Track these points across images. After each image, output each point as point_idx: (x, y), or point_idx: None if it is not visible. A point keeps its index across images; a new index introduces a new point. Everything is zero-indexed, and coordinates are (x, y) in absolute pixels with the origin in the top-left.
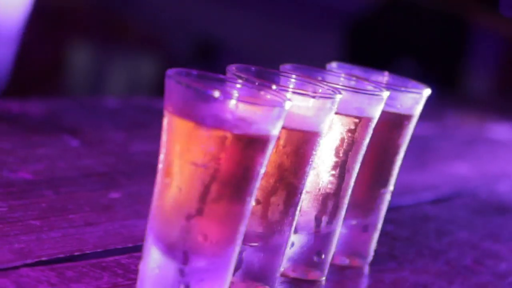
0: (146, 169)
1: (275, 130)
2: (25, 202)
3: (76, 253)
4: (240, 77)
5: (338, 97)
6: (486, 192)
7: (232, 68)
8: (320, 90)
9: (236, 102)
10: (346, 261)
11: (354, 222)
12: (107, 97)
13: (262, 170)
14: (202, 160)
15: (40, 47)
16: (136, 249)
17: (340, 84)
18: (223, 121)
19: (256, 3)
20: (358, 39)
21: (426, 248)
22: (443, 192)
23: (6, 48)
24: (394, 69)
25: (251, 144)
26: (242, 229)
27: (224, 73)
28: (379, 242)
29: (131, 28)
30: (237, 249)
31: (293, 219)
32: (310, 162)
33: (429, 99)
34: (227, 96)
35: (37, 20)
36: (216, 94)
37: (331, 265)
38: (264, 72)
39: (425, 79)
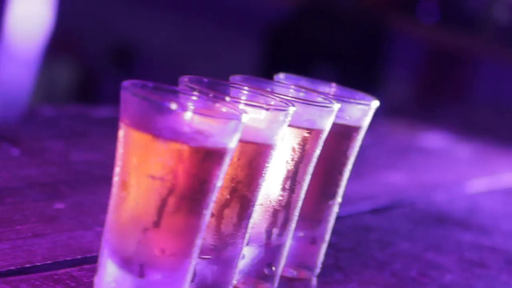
0: (88, 179)
1: (232, 143)
2: None
3: (26, 265)
4: (193, 89)
5: (292, 109)
6: (423, 202)
7: (184, 79)
8: (272, 102)
9: (193, 115)
10: (294, 273)
11: (302, 234)
12: (43, 105)
13: (219, 183)
14: (159, 173)
15: None
16: (85, 261)
17: (290, 95)
18: (180, 133)
19: (174, 8)
20: (277, 43)
21: (371, 259)
22: (382, 202)
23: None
24: (313, 75)
25: (208, 157)
26: (198, 242)
27: (141, 78)
28: (325, 253)
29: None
30: (193, 262)
31: (245, 232)
32: (263, 175)
33: None
34: (184, 108)
35: None
36: (173, 106)
37: (280, 277)
38: (216, 83)
39: (345, 85)
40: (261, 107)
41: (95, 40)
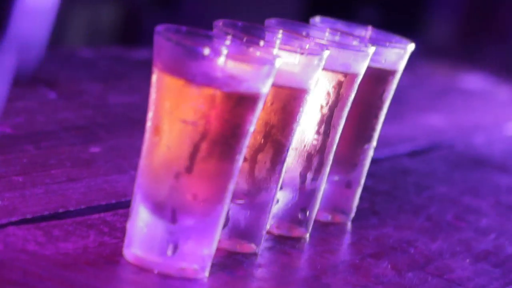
0: (125, 122)
1: (265, 88)
2: (7, 158)
3: (60, 210)
4: (227, 33)
5: (326, 53)
6: (462, 145)
7: (219, 23)
8: (307, 46)
9: (226, 60)
10: (328, 217)
11: (337, 178)
12: (81, 47)
13: (251, 129)
14: (192, 117)
15: None
16: (119, 206)
17: (325, 39)
18: (213, 78)
19: None
20: None
21: (407, 203)
22: (420, 145)
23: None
24: (355, 16)
25: (241, 102)
26: (231, 187)
27: (184, 18)
28: (360, 197)
29: None
30: (225, 208)
31: (279, 177)
32: (297, 119)
33: None
34: (217, 53)
35: None
36: (206, 51)
37: (314, 221)
38: (250, 27)
39: (387, 27)
40: (295, 51)
41: None
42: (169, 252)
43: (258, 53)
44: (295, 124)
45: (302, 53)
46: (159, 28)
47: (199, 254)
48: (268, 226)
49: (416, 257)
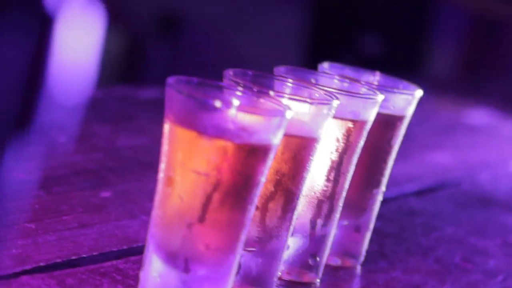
0: (134, 165)
1: (276, 139)
2: (19, 204)
3: (73, 257)
4: (238, 83)
5: (336, 102)
6: (468, 183)
7: (229, 73)
8: (316, 95)
9: (237, 112)
10: (338, 261)
11: (346, 222)
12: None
13: (263, 179)
14: (204, 169)
15: None
16: (131, 252)
17: (334, 86)
18: (224, 130)
19: None
20: (322, 11)
21: (415, 245)
22: (427, 184)
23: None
24: (357, 47)
25: (253, 153)
26: (243, 237)
27: (188, 47)
28: (369, 239)
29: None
30: (237, 257)
31: (290, 224)
32: (307, 168)
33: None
34: (228, 106)
35: None
36: (218, 104)
37: (324, 266)
38: (260, 76)
39: (389, 57)
40: (305, 101)
41: (141, 8)
42: None
43: (268, 105)
44: (305, 173)
45: (312, 103)
46: (170, 80)
47: None
48: (279, 273)
49: None
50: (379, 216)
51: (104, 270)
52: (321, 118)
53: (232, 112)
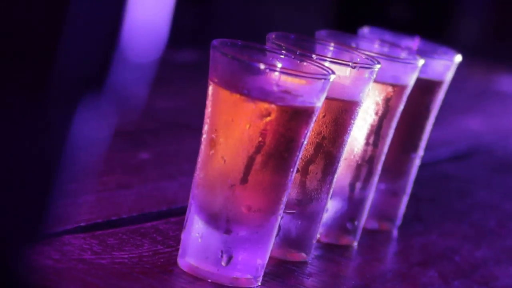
0: (172, 127)
1: (319, 102)
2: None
3: (113, 218)
4: (280, 46)
5: (377, 67)
6: (501, 148)
7: (272, 36)
8: (358, 59)
9: (281, 75)
10: (375, 225)
11: (383, 186)
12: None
13: (305, 142)
14: (247, 131)
15: None
16: (171, 213)
17: (375, 51)
18: (268, 93)
19: None
20: None
21: (450, 210)
22: (460, 149)
23: None
24: (385, 16)
25: (296, 116)
26: (284, 199)
27: (219, 16)
28: (406, 205)
29: None
30: (278, 219)
31: (330, 187)
32: (348, 131)
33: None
34: (272, 68)
35: None
36: (262, 66)
37: (362, 229)
38: (302, 39)
39: (416, 22)
40: (347, 65)
41: None
42: (224, 263)
43: (312, 68)
44: (346, 136)
45: (354, 67)
46: (215, 42)
47: (253, 264)
48: (317, 235)
49: (462, 265)
50: (415, 181)
51: (145, 230)
52: (363, 82)
53: (275, 74)
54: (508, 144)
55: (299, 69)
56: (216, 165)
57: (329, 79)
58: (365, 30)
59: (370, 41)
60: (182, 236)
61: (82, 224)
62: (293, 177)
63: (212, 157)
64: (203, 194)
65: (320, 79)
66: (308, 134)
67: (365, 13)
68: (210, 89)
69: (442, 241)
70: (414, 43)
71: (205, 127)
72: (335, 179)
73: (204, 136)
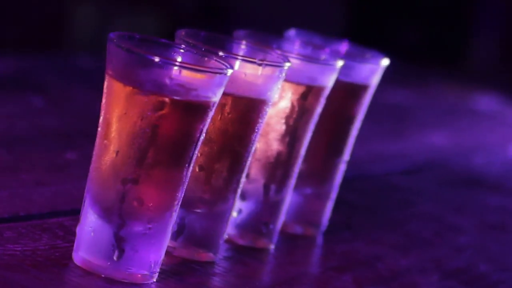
0: None
1: (215, 97)
2: None
3: (21, 214)
4: (188, 43)
5: (287, 65)
6: (459, 164)
7: (181, 33)
8: (268, 58)
9: (175, 67)
10: (299, 230)
11: (307, 190)
12: (82, 55)
13: (202, 137)
14: (139, 124)
15: (43, 1)
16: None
17: (294, 52)
18: (161, 86)
19: None
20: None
21: (385, 219)
22: (415, 162)
23: None
24: (396, 39)
25: (190, 110)
26: (179, 195)
27: (230, 34)
28: (338, 211)
29: None
30: (174, 215)
31: (237, 186)
32: (256, 130)
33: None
34: (165, 61)
35: None
36: (155, 58)
37: (283, 233)
38: (214, 38)
39: (427, 44)
40: (253, 62)
41: None
42: (115, 257)
43: (207, 62)
44: (254, 135)
45: (260, 64)
46: (112, 35)
47: (146, 259)
48: (226, 236)
49: (382, 272)
50: (353, 189)
51: (48, 226)
52: (271, 80)
53: (169, 67)
54: (468, 160)
55: (193, 63)
56: (109, 158)
57: (225, 74)
58: (291, 32)
59: (293, 42)
60: (77, 230)
61: None
62: (188, 173)
63: (105, 150)
64: (96, 187)
65: (216, 73)
66: (205, 129)
67: (377, 37)
68: (106, 82)
69: (367, 248)
70: (342, 46)
71: (100, 119)
72: (242, 179)
73: (99, 129)
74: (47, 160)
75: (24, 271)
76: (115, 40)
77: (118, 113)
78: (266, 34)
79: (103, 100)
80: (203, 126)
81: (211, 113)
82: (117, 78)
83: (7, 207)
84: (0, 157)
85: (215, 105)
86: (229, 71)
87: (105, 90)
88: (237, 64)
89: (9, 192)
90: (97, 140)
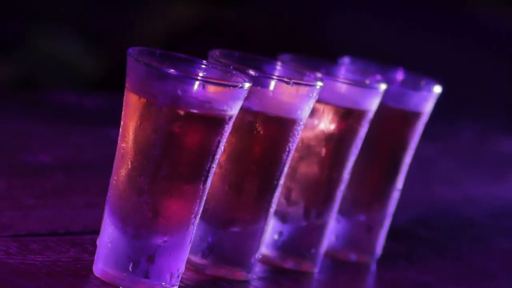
0: None
1: (232, 111)
2: (26, 182)
3: (60, 231)
4: (220, 62)
5: (319, 84)
6: None
7: (215, 53)
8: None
9: (190, 80)
10: (353, 257)
11: (361, 218)
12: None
13: (219, 150)
14: (154, 136)
15: None
16: None
17: (341, 77)
18: (175, 98)
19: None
20: None
21: (452, 252)
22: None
23: None
24: None
25: (205, 123)
26: (197, 208)
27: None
28: (402, 241)
29: None
30: (191, 228)
31: (269, 206)
32: (288, 150)
33: None
34: (180, 73)
35: None
36: (169, 70)
37: (334, 259)
38: (249, 58)
39: None
40: (282, 81)
41: None
42: (131, 268)
43: (223, 76)
44: (284, 154)
45: (288, 83)
46: (131, 49)
47: (164, 272)
48: (259, 255)
49: None
50: (419, 220)
51: (80, 241)
52: (302, 99)
53: (184, 79)
54: None
55: (210, 77)
56: (125, 169)
57: (240, 87)
58: (345, 59)
59: (341, 68)
60: (98, 241)
61: (21, 233)
62: (205, 186)
63: (122, 161)
64: (114, 198)
65: (229, 86)
66: (222, 142)
67: None
68: (125, 95)
69: (419, 277)
70: (398, 74)
71: (120, 131)
72: (274, 198)
73: (118, 141)
74: (101, 183)
75: (35, 278)
76: (132, 55)
77: (133, 125)
78: (310, 59)
79: (122, 113)
80: (220, 140)
81: (228, 127)
82: (133, 90)
83: (47, 224)
84: (56, 179)
85: (232, 119)
86: (246, 85)
87: (123, 103)
88: (265, 82)
89: (53, 212)
90: (117, 152)
